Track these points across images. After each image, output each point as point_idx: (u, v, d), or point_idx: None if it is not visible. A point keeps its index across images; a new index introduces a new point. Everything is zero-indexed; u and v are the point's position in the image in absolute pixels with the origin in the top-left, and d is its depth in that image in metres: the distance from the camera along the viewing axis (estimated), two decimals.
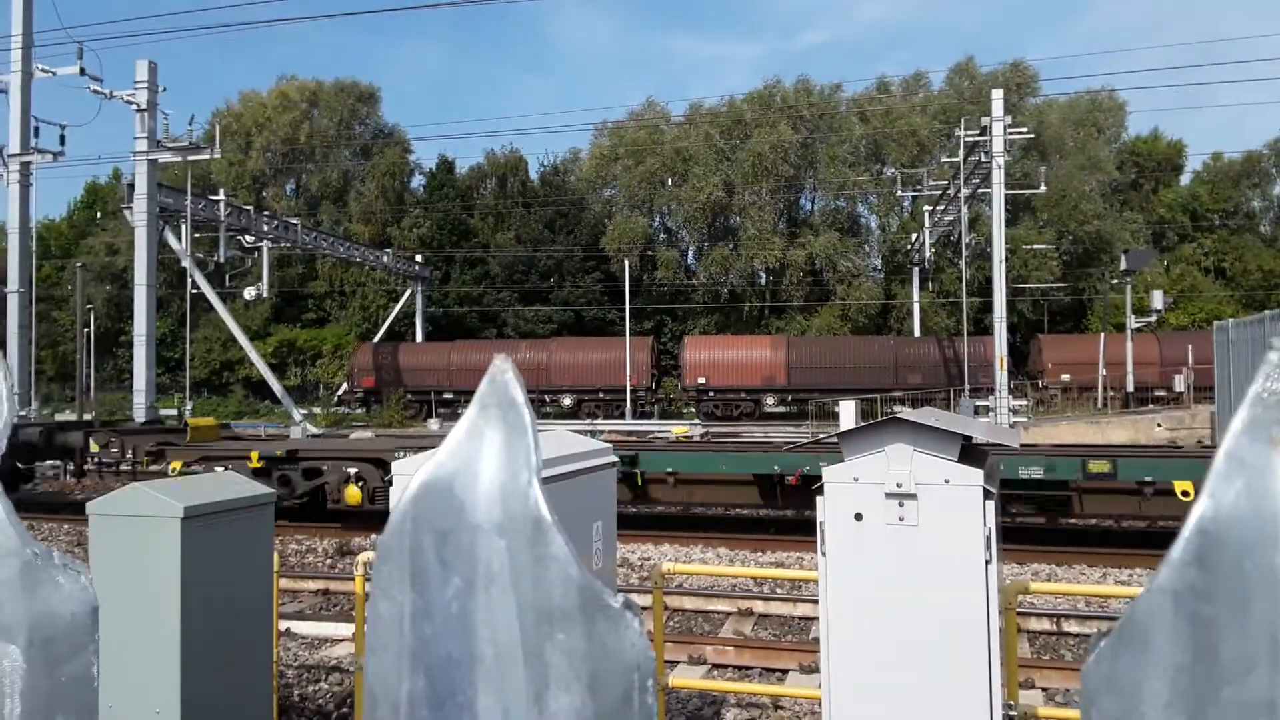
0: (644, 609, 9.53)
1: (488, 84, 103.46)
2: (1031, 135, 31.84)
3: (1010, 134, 27.02)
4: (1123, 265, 32.77)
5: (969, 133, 28.28)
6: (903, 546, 4.07)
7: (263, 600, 4.62)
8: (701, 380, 38.24)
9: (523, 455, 0.90)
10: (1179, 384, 30.27)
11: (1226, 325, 26.49)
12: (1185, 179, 52.41)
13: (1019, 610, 6.80)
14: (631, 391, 37.19)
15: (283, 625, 8.45)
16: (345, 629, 8.60)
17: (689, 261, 50.98)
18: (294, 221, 31.09)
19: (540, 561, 0.86)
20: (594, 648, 0.85)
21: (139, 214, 22.52)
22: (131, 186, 23.10)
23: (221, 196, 26.74)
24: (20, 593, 1.13)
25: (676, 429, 27.83)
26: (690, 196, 47.11)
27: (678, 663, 7.91)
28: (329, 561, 12.46)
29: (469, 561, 0.87)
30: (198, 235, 25.96)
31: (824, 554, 4.18)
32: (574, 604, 0.85)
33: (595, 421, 32.46)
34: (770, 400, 37.79)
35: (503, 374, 0.91)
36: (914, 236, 40.21)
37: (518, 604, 0.86)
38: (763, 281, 48.68)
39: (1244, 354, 24.03)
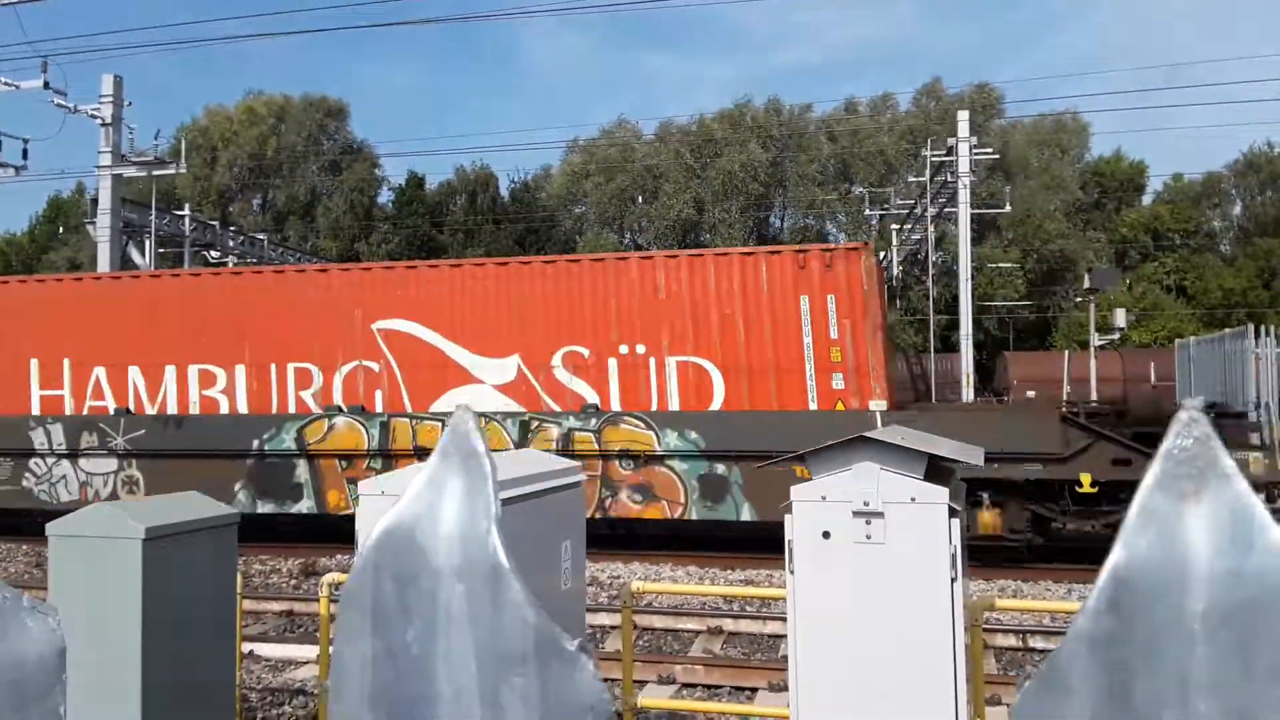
0: (613, 628, 9.47)
1: (459, 100, 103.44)
2: (996, 156, 32.32)
3: (976, 154, 27.41)
4: (1086, 284, 33.28)
5: (935, 153, 28.66)
6: (870, 564, 4.09)
7: (226, 622, 4.56)
8: None
9: (482, 504, 0.91)
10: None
11: (1188, 343, 26.91)
12: (1147, 199, 53.38)
13: (985, 627, 6.85)
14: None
15: (246, 647, 8.33)
16: (310, 651, 8.48)
17: None
18: (260, 237, 30.87)
19: (498, 606, 0.86)
20: (549, 689, 0.85)
21: (102, 229, 22.24)
22: (95, 201, 22.82)
23: (186, 211, 26.49)
24: None
25: None
26: (661, 213, 47.32)
27: (647, 682, 7.87)
28: (294, 582, 12.30)
29: (429, 606, 0.88)
30: (162, 250, 25.68)
31: (792, 571, 4.19)
32: (530, 647, 0.85)
33: None
34: None
35: (464, 424, 0.92)
36: (882, 255, 40.59)
37: (476, 647, 0.87)
38: None
39: (1205, 371, 24.43)
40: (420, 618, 0.91)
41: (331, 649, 1.06)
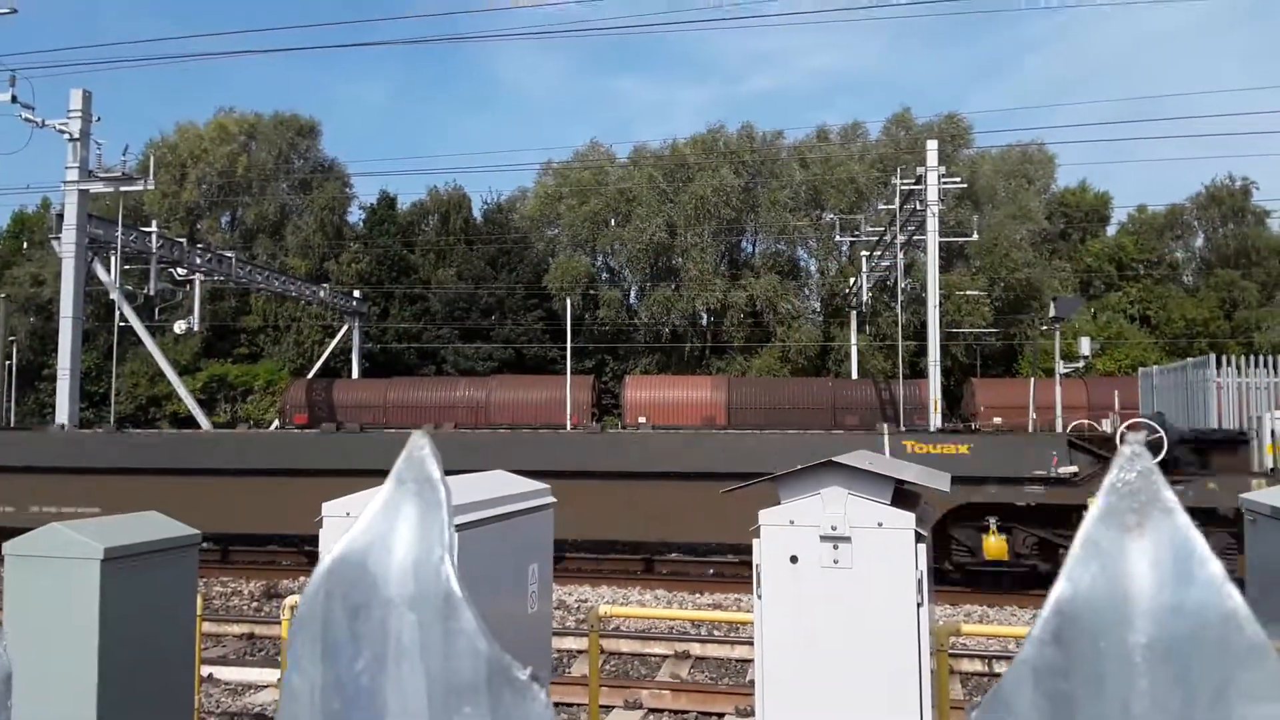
0: (580, 652, 9.38)
1: (432, 120, 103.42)
2: (965, 185, 32.76)
3: (944, 183, 27.75)
4: (1052, 312, 33.75)
5: (905, 181, 29.00)
6: (837, 589, 4.09)
7: (184, 644, 4.47)
8: (642, 420, 38.23)
9: (436, 531, 0.90)
10: (1106, 427, 31.08)
11: (1151, 371, 27.30)
12: (1111, 230, 54.28)
13: (951, 652, 6.87)
14: (572, 430, 37.00)
15: (205, 670, 8.17)
16: (270, 674, 8.34)
17: (631, 301, 51.22)
18: (228, 254, 30.55)
19: (450, 636, 0.85)
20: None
21: (68, 245, 21.93)
22: (61, 216, 22.52)
23: (154, 228, 26.21)
24: None
25: None
26: (633, 237, 47.47)
27: (613, 707, 7.81)
28: (255, 604, 12.11)
29: (380, 635, 0.87)
30: (128, 267, 25.36)
31: (759, 596, 4.18)
32: (481, 677, 0.84)
33: None
34: None
35: (420, 450, 0.92)
36: (852, 280, 40.95)
37: (427, 678, 0.86)
38: (704, 322, 49.09)
39: (1168, 399, 24.81)
40: (371, 647, 0.89)
41: (280, 678, 1.05)
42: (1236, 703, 0.76)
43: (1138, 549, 0.82)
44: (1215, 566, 0.82)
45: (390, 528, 0.91)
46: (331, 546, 1.00)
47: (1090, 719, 0.82)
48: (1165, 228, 53.79)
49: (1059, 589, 0.85)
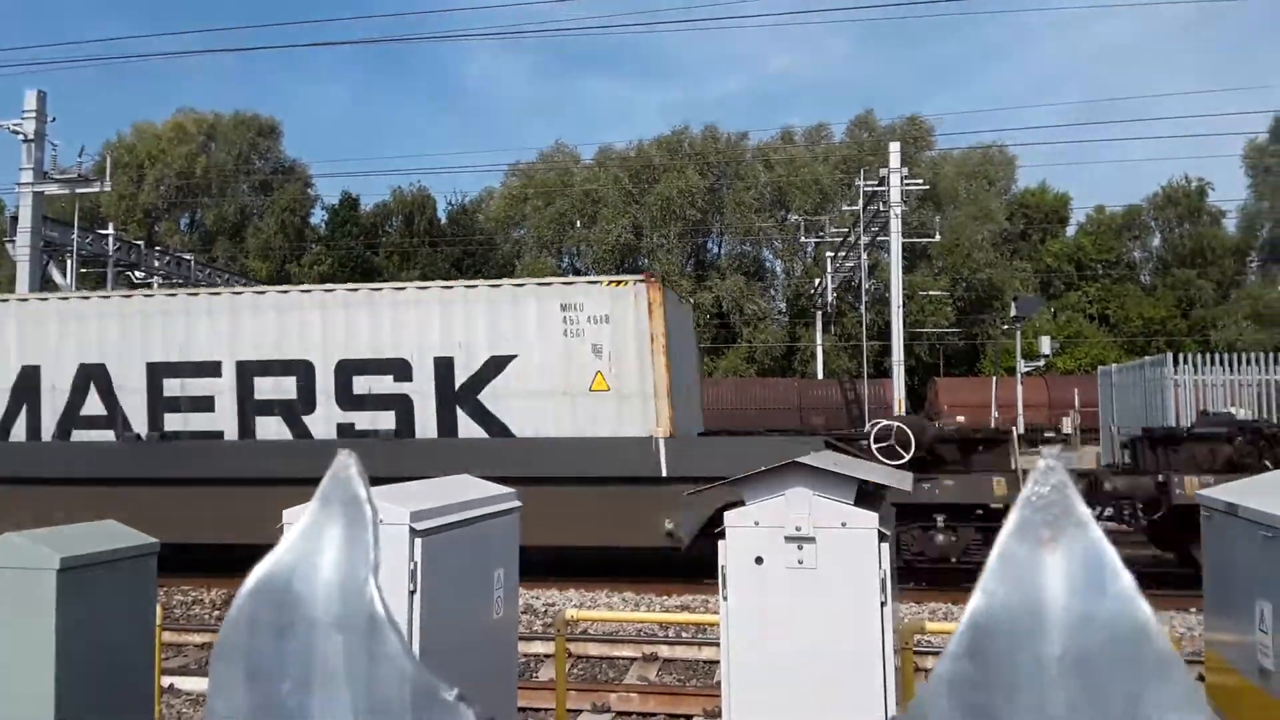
0: (548, 657, 9.36)
1: (395, 121, 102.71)
2: (927, 186, 33.10)
3: (907, 185, 28.03)
4: (1013, 312, 34.17)
5: (868, 183, 29.25)
6: (801, 589, 4.10)
7: (144, 654, 4.39)
8: None
9: (362, 551, 0.88)
10: (1067, 425, 31.55)
11: (1110, 370, 27.71)
12: (1071, 230, 55.11)
13: (915, 649, 6.92)
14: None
15: (165, 681, 8.04)
16: None
17: None
18: (187, 257, 30.16)
19: (375, 659, 0.84)
20: None
21: (22, 248, 21.53)
22: (15, 219, 22.09)
23: (111, 231, 25.79)
24: None
25: None
26: (599, 238, 47.44)
27: (581, 711, 7.79)
28: (217, 613, 11.94)
29: (306, 657, 0.85)
30: (85, 270, 24.94)
31: (725, 598, 4.19)
32: (407, 699, 0.82)
33: None
34: None
35: (345, 470, 0.89)
36: (817, 281, 41.22)
37: (353, 700, 0.84)
38: None
39: (1126, 397, 25.21)
40: (296, 669, 0.87)
41: (207, 703, 1.02)
42: (1149, 714, 0.77)
43: (1051, 562, 0.82)
44: (1127, 579, 0.83)
45: (316, 548, 0.89)
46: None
47: None
48: (1123, 228, 54.70)
49: (974, 603, 0.86)
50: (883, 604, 4.04)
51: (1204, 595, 4.47)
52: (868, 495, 4.43)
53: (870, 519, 4.08)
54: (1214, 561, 4.30)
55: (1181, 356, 22.84)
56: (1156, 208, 55.32)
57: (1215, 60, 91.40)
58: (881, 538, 4.08)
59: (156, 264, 27.31)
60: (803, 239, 41.78)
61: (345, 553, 0.90)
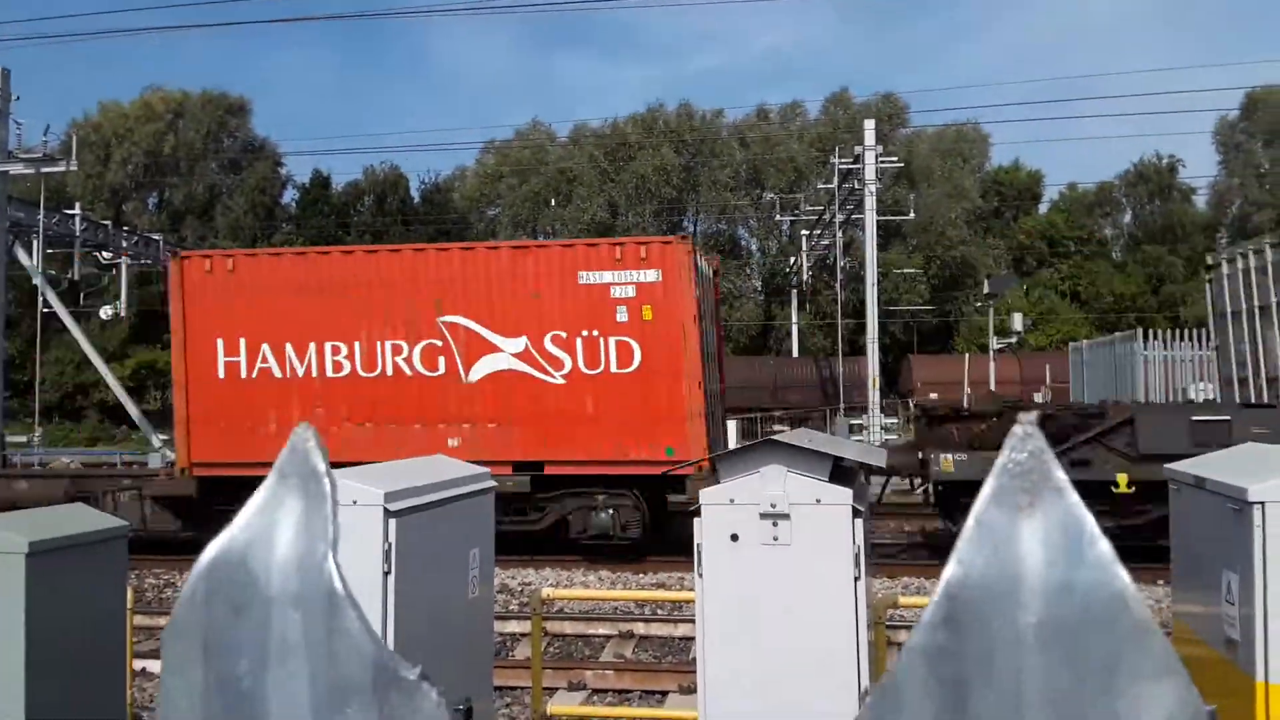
0: (524, 635, 9.39)
1: (367, 99, 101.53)
2: (901, 164, 33.17)
3: (882, 163, 28.06)
4: (986, 289, 34.39)
5: (843, 160, 29.24)
6: (776, 565, 4.11)
7: (116, 638, 4.35)
8: None
9: (320, 526, 0.86)
10: (1039, 400, 31.88)
11: (1081, 346, 27.99)
12: (1043, 208, 55.53)
13: (889, 624, 6.98)
14: None
15: (138, 665, 7.98)
16: None
17: None
18: (156, 237, 29.69)
19: (333, 635, 0.82)
20: None
21: None
22: None
23: (77, 211, 25.36)
24: None
25: None
26: (575, 216, 47.22)
27: (557, 689, 7.81)
28: None
29: (263, 635, 0.83)
30: (51, 251, 24.53)
31: (700, 575, 4.20)
32: (367, 678, 0.81)
33: None
34: None
35: (304, 443, 0.87)
36: (792, 260, 41.29)
37: (310, 677, 0.82)
38: None
39: (1097, 372, 25.50)
40: (253, 647, 0.86)
41: (161, 681, 1.00)
42: (1125, 681, 0.77)
43: (1029, 529, 0.81)
44: (1104, 545, 0.82)
45: (272, 523, 0.87)
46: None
47: (983, 701, 0.82)
48: (1095, 205, 55.18)
49: (950, 572, 0.85)
50: (857, 579, 4.06)
51: (1171, 567, 4.53)
52: (843, 472, 4.44)
53: (844, 495, 4.09)
54: (1181, 534, 4.35)
55: (1151, 333, 23.13)
56: (1128, 184, 55.80)
57: (1186, 38, 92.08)
58: (855, 513, 4.09)
59: (124, 244, 26.90)
60: (778, 217, 41.79)
61: (303, 528, 0.88)
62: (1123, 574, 0.79)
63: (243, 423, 13.54)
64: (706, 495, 4.24)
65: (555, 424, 13.04)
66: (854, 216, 31.13)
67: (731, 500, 4.18)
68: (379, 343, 13.46)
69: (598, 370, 13.01)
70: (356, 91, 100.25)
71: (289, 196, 52.76)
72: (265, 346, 13.69)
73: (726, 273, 47.41)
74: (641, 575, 12.64)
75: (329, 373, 13.57)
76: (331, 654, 0.85)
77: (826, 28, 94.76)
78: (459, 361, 13.31)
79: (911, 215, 35.04)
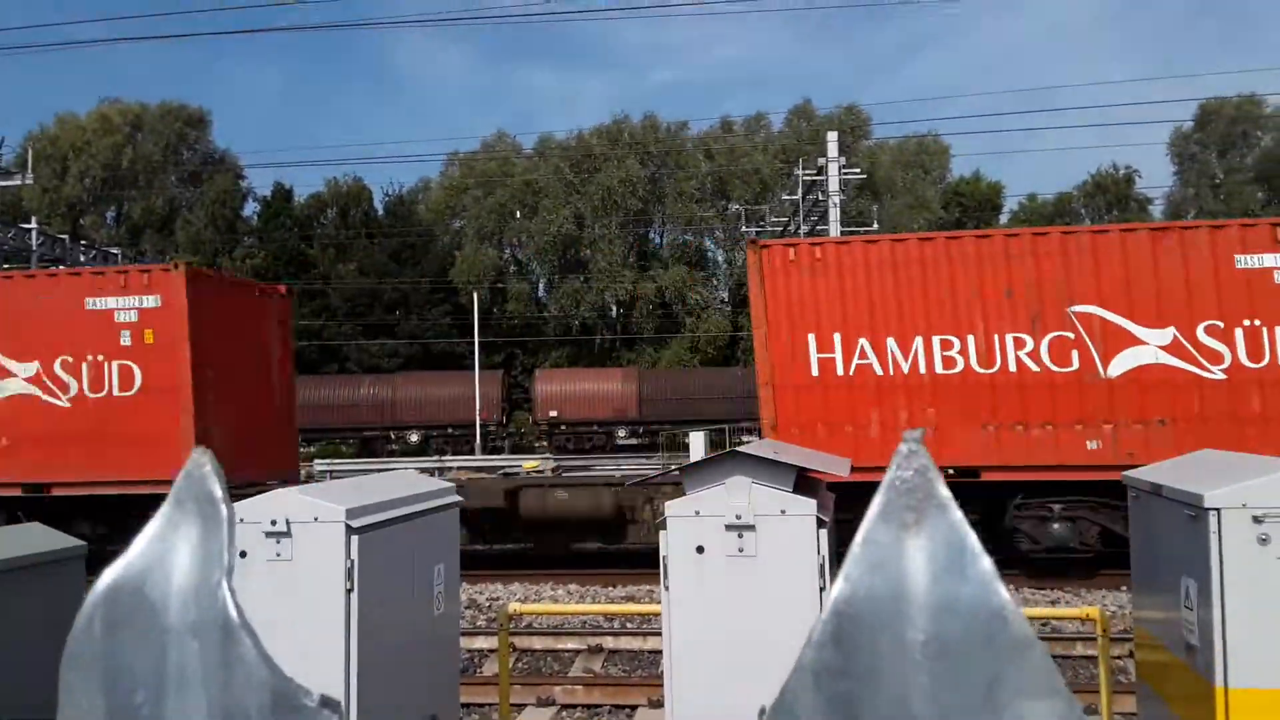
0: (492, 652, 9.30)
1: (329, 111, 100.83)
2: (864, 176, 33.50)
3: (845, 174, 28.32)
4: None
5: (807, 172, 29.49)
6: (742, 577, 4.11)
7: None
8: (553, 414, 38.08)
9: (216, 554, 0.84)
10: None
11: None
12: (1004, 218, 56.27)
13: None
14: (482, 426, 36.55)
15: None
16: None
17: (540, 294, 50.90)
18: (114, 251, 29.31)
19: (230, 664, 0.80)
20: None
21: None
22: None
23: (34, 225, 24.97)
24: None
25: (528, 464, 27.52)
26: (540, 229, 47.16)
27: (525, 705, 7.75)
28: None
29: (160, 664, 0.81)
30: (7, 266, 24.13)
31: (666, 588, 4.18)
32: (266, 706, 0.80)
33: (444, 458, 31.72)
34: (622, 433, 37.99)
35: (200, 468, 0.86)
36: None
37: (209, 707, 0.81)
38: (613, 314, 49.11)
39: None
40: (150, 676, 0.84)
41: (59, 712, 0.97)
42: (1008, 696, 0.77)
43: (914, 546, 0.82)
44: (986, 563, 0.83)
45: (169, 550, 0.86)
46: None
47: (871, 717, 0.82)
48: (1054, 215, 56.01)
49: (837, 590, 0.85)
50: (822, 589, 4.07)
51: (1132, 573, 4.58)
52: (806, 482, 4.45)
53: (809, 506, 4.10)
54: (1141, 540, 4.40)
55: None
56: (1086, 195, 56.74)
57: (1141, 49, 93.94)
58: (820, 524, 4.10)
59: (82, 259, 26.53)
60: (744, 228, 42.01)
61: (199, 556, 0.87)
62: (1002, 590, 0.81)
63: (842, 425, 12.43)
64: (672, 507, 4.23)
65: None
66: (819, 228, 31.37)
67: (697, 512, 4.18)
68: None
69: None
70: (317, 102, 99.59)
71: (250, 209, 52.21)
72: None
73: (694, 284, 47.57)
74: (610, 589, 12.60)
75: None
76: (228, 682, 0.84)
77: (786, 40, 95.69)
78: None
79: (875, 226, 35.38)
